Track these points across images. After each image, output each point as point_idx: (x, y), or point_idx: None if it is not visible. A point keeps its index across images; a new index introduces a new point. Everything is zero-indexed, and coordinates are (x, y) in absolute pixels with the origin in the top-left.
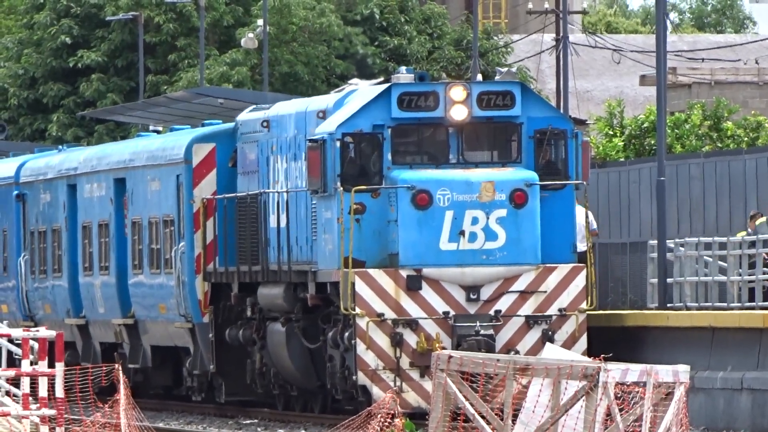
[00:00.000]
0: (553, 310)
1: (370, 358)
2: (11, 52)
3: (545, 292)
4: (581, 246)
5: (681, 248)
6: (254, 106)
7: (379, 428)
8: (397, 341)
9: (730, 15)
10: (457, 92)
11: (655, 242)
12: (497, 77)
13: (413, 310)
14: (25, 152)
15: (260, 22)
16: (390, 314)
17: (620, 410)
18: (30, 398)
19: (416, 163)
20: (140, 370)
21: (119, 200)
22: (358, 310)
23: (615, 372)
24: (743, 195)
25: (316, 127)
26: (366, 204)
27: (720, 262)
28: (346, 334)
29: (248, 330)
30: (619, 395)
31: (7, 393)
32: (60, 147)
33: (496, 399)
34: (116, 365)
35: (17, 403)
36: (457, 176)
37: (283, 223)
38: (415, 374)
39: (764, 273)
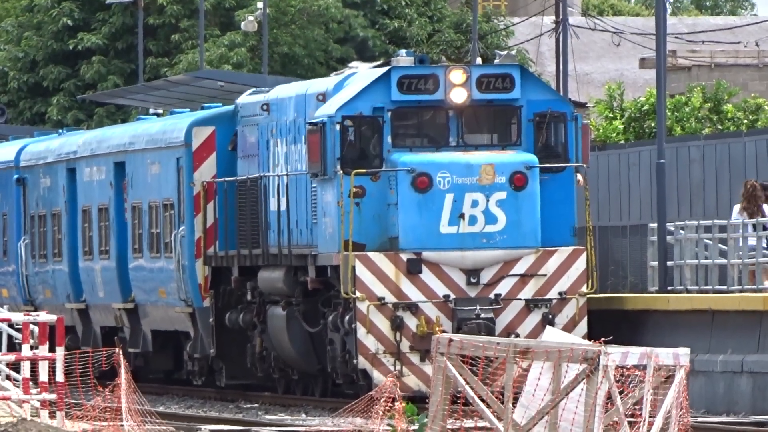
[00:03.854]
0: (553, 294)
1: (370, 341)
2: (11, 35)
3: (545, 275)
4: None
5: (681, 231)
6: (254, 89)
7: (381, 412)
8: (398, 325)
9: None
10: (457, 75)
11: (655, 225)
12: (497, 60)
13: (413, 293)
14: (25, 136)
15: (260, 4)
16: (390, 298)
17: (620, 393)
18: (30, 383)
19: (416, 146)
20: (141, 354)
21: (119, 184)
22: (358, 294)
23: (615, 355)
24: (743, 177)
25: (316, 110)
26: (366, 187)
27: (720, 245)
28: (347, 317)
29: (248, 314)
30: (619, 378)
31: (8, 377)
32: (60, 131)
33: (496, 382)
34: (117, 349)
35: (18, 387)
36: (457, 159)
37: (283, 207)
38: (415, 358)
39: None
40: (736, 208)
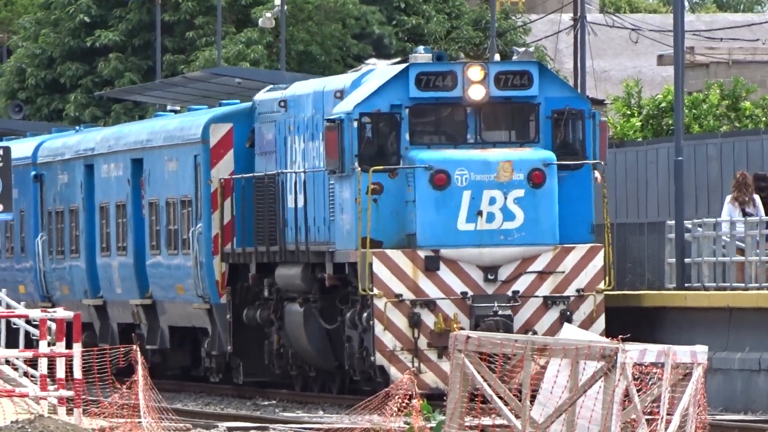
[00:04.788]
0: (570, 291)
1: (387, 338)
2: (29, 32)
3: (563, 272)
4: None
5: (699, 228)
6: (271, 86)
7: (396, 409)
8: (415, 322)
9: None
10: (475, 72)
11: (672, 222)
12: (515, 57)
13: (431, 290)
14: (43, 132)
15: (278, 1)
16: (408, 295)
17: (638, 391)
18: (48, 379)
19: (434, 143)
20: (158, 351)
21: (136, 181)
22: (375, 291)
23: (633, 352)
24: None
25: (334, 107)
26: (384, 184)
27: (738, 243)
28: (364, 314)
29: (266, 311)
30: (636, 376)
31: (25, 374)
32: (77, 127)
33: (514, 380)
34: (134, 346)
35: (35, 384)
36: (474, 156)
37: (300, 204)
38: (432, 355)
39: None
40: (728, 198)
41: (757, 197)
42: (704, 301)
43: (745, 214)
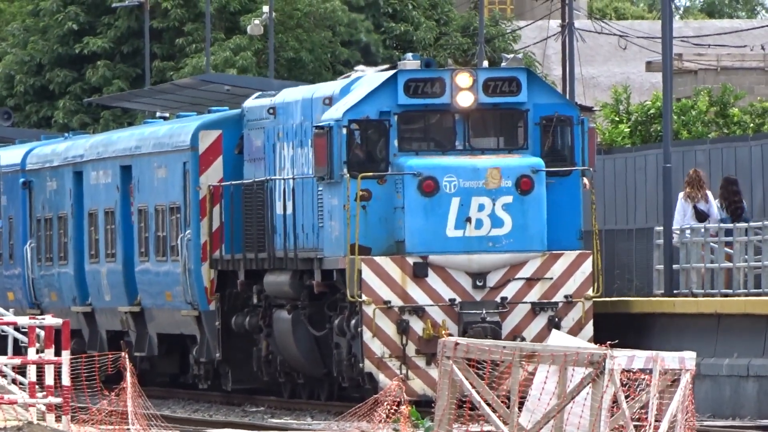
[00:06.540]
0: (559, 297)
1: (376, 345)
2: (17, 39)
3: (551, 278)
4: None
5: (687, 235)
6: (260, 93)
7: (385, 415)
8: (404, 328)
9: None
10: (464, 79)
11: (661, 228)
12: (503, 64)
13: (419, 297)
14: (32, 139)
15: (266, 8)
16: (396, 301)
17: (626, 397)
18: (36, 386)
19: (422, 150)
20: (146, 358)
21: (125, 187)
22: (364, 298)
23: (621, 359)
24: (749, 181)
25: (323, 114)
26: (372, 191)
27: (726, 249)
28: (353, 321)
29: (254, 317)
30: (625, 382)
31: (14, 381)
32: (66, 134)
33: (502, 386)
34: (122, 353)
35: (24, 391)
36: (463, 163)
37: (289, 210)
38: (421, 362)
39: None
40: (680, 195)
41: (709, 193)
42: (692, 308)
43: (697, 210)
